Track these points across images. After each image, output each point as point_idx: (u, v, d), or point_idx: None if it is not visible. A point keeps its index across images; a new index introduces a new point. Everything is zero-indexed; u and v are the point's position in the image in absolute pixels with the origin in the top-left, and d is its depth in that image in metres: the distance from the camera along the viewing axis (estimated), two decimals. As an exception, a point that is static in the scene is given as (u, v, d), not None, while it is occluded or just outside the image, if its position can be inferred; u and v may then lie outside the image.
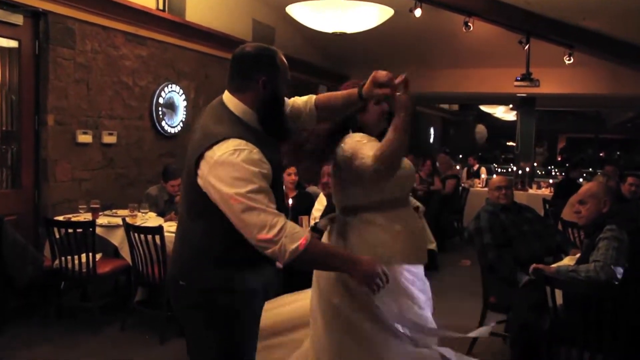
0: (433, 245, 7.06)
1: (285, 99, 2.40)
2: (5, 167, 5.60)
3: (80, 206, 5.61)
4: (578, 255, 3.92)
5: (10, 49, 5.53)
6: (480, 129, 23.25)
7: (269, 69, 2.22)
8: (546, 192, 10.32)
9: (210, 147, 2.08)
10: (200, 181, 2.11)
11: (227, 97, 2.26)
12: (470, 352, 4.62)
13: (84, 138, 6.03)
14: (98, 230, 5.03)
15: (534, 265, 3.79)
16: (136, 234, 4.70)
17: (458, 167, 12.51)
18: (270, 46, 2.31)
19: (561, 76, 10.49)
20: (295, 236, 2.07)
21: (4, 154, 5.58)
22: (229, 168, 2.05)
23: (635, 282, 3.34)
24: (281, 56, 2.28)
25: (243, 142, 2.09)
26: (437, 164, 10.85)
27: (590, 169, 13.95)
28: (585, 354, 3.34)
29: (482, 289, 4.66)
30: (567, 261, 4.09)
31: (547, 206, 8.37)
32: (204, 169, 2.09)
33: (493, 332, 4.66)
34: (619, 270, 3.33)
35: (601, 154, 20.58)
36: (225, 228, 2.13)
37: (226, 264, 2.22)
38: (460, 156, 13.01)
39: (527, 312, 3.79)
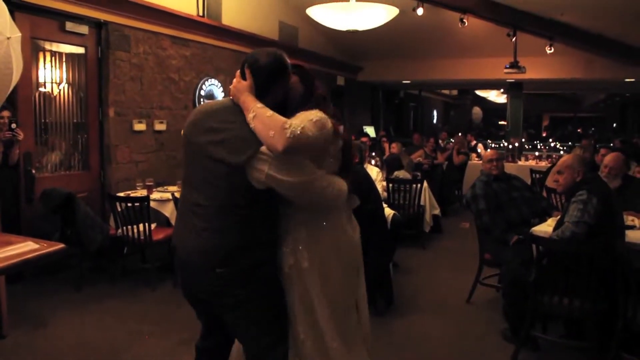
0: (437, 211, 7.03)
1: None
2: (77, 152, 5.67)
3: (137, 184, 5.66)
4: (559, 216, 3.85)
5: (78, 55, 5.57)
6: (477, 110, 23.01)
7: (283, 78, 2.15)
8: (533, 163, 10.17)
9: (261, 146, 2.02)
10: (256, 177, 2.01)
11: None
12: (469, 301, 4.62)
13: (139, 126, 6.07)
14: (152, 204, 5.05)
15: None
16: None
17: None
18: (277, 51, 2.16)
19: (544, 64, 10.31)
20: None
21: (76, 142, 5.64)
22: None
23: (602, 237, 3.27)
24: (286, 58, 2.17)
25: None
26: (441, 141, 10.77)
27: (570, 143, 13.72)
28: (565, 300, 3.29)
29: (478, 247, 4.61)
30: (550, 222, 4.03)
31: (535, 175, 8.24)
32: (261, 167, 2.00)
33: (488, 284, 4.66)
34: (580, 227, 3.28)
35: (579, 130, 20.25)
36: (265, 216, 2.10)
37: (260, 245, 2.11)
38: (459, 134, 12.92)
39: (517, 267, 3.74)
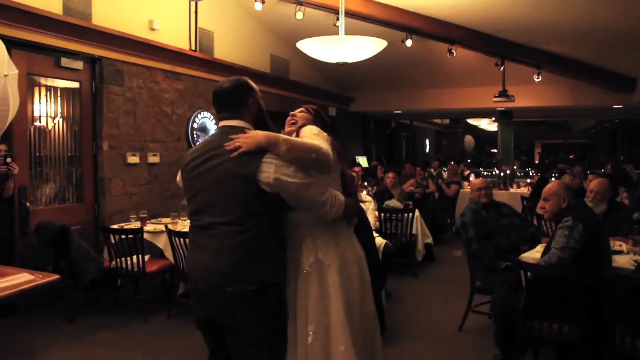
0: (429, 239, 7.06)
1: None
2: (71, 185, 5.73)
3: (131, 216, 5.69)
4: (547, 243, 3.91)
5: (73, 89, 5.68)
6: (469, 139, 23.18)
7: (250, 92, 2.33)
8: (525, 190, 10.23)
9: (265, 153, 2.14)
10: (266, 181, 2.13)
11: (232, 122, 2.30)
12: (461, 329, 4.65)
13: (133, 159, 6.15)
14: (145, 235, 5.08)
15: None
16: (177, 238, 4.73)
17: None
18: (240, 77, 2.39)
19: (532, 92, 10.51)
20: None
21: (70, 175, 5.71)
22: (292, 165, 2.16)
23: (588, 262, 3.34)
24: (251, 81, 2.40)
25: None
26: (433, 170, 10.91)
27: (560, 166, 13.82)
28: (554, 326, 3.34)
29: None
30: (539, 248, 4.08)
31: (525, 202, 8.33)
32: (268, 170, 2.13)
33: (480, 311, 4.70)
34: (566, 253, 3.34)
35: (571, 156, 20.48)
36: (273, 227, 2.23)
37: (271, 260, 2.22)
38: (452, 162, 13.06)
39: (505, 293, 3.79)
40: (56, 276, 2.14)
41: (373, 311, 2.49)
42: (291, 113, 2.67)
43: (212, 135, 2.38)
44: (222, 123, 2.33)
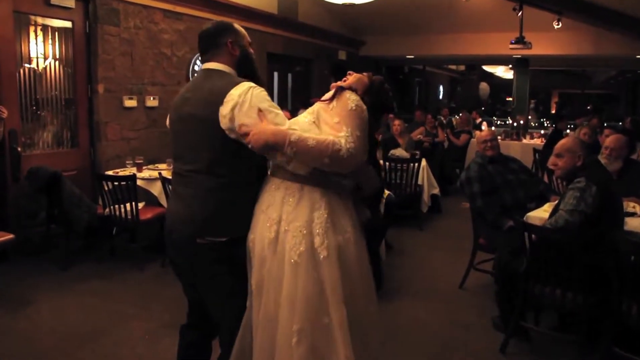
0: (436, 191, 6.85)
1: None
2: (66, 129, 5.54)
3: (127, 162, 5.52)
4: (557, 202, 3.67)
5: (65, 29, 5.40)
6: (484, 86, 22.62)
7: (230, 34, 2.21)
8: (538, 141, 9.93)
9: (228, 92, 2.00)
10: (225, 122, 1.99)
11: (210, 65, 2.18)
12: (462, 287, 4.50)
13: (130, 103, 5.91)
14: (140, 182, 4.91)
15: None
16: (170, 186, 4.56)
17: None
18: (225, 20, 2.31)
19: (551, 39, 10.01)
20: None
21: (65, 119, 5.52)
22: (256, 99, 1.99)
23: (598, 227, 3.09)
24: (237, 25, 2.27)
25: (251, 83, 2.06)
26: (442, 118, 10.58)
27: (578, 121, 13.40)
28: (557, 291, 3.15)
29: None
30: (547, 207, 3.85)
31: (537, 155, 8.02)
32: (225, 109, 1.98)
33: (482, 269, 4.52)
34: (574, 216, 3.09)
35: (588, 107, 19.86)
36: (246, 179, 2.11)
37: (243, 212, 2.11)
38: (465, 111, 12.66)
39: (508, 255, 3.59)
40: (10, 236, 1.96)
41: (375, 303, 2.18)
42: (349, 72, 2.25)
43: (195, 77, 2.25)
44: (204, 66, 2.22)
